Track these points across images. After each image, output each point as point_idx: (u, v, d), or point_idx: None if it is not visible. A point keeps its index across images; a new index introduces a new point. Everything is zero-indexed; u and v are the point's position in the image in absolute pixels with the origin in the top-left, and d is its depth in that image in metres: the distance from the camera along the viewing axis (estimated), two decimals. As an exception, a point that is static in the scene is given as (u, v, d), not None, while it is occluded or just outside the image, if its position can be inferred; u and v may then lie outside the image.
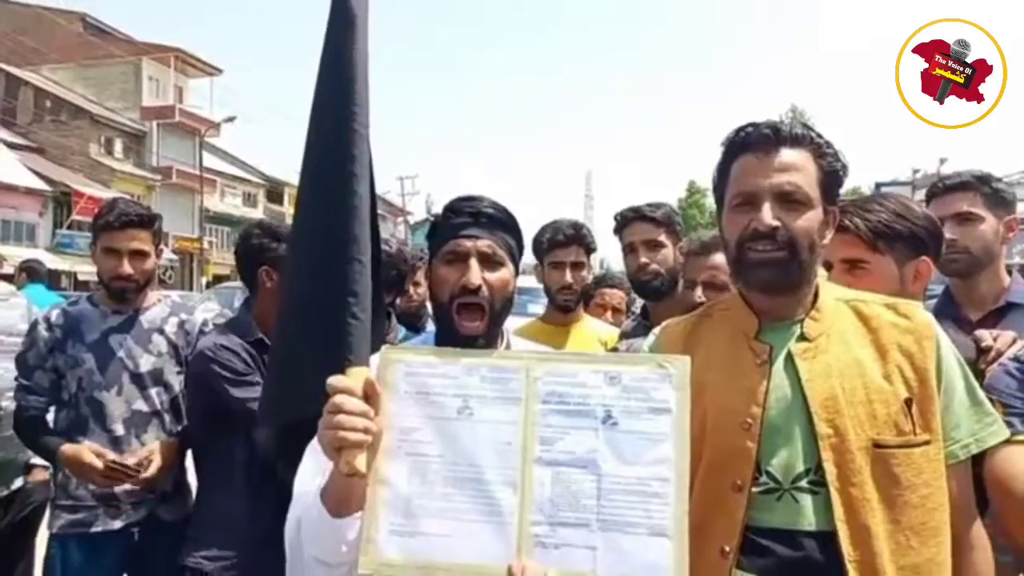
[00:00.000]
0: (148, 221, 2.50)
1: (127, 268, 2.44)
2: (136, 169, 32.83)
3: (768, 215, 1.29)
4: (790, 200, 1.30)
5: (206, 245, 32.84)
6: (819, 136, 1.34)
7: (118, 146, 32.70)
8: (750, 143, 1.34)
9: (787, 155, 1.32)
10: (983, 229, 2.05)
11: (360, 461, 1.11)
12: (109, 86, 34.14)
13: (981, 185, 2.06)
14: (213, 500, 2.30)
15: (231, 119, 32.60)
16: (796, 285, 1.33)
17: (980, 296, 2.03)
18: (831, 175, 1.34)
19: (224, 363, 2.21)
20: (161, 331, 2.51)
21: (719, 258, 2.10)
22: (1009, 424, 1.39)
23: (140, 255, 2.47)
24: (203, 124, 33.98)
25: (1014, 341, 1.68)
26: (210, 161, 35.06)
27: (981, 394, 1.35)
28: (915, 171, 26.87)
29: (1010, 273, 2.17)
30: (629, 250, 2.55)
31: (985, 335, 1.71)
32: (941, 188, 2.09)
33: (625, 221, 2.57)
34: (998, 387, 1.53)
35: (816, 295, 1.37)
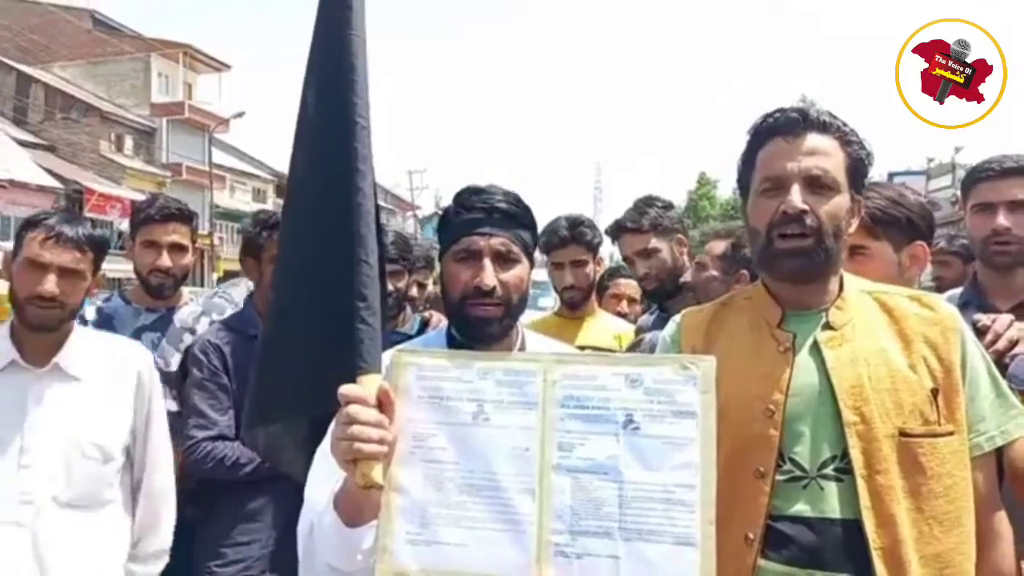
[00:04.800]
0: (188, 216, 2.52)
1: (166, 261, 2.44)
2: (146, 166, 32.95)
3: (797, 197, 1.28)
4: (818, 184, 1.29)
5: (216, 241, 32.95)
6: (845, 124, 1.33)
7: (128, 143, 32.83)
8: (778, 127, 1.33)
9: (815, 140, 1.31)
10: None
11: (376, 473, 1.08)
12: (119, 83, 34.27)
13: None
14: (215, 504, 2.27)
15: (240, 115, 32.67)
16: (822, 274, 1.32)
17: (1013, 287, 1.95)
18: (857, 163, 1.33)
19: (197, 361, 2.22)
20: (192, 331, 2.49)
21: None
22: None
23: (179, 249, 2.48)
24: (212, 120, 34.06)
25: (1011, 324, 1.64)
26: (219, 157, 35.15)
27: (1005, 386, 1.35)
28: (929, 160, 26.57)
29: None
30: (628, 262, 2.59)
31: (983, 317, 1.68)
32: (996, 172, 1.97)
33: (614, 236, 2.59)
34: (1020, 376, 1.52)
35: (841, 285, 1.36)
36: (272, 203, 39.12)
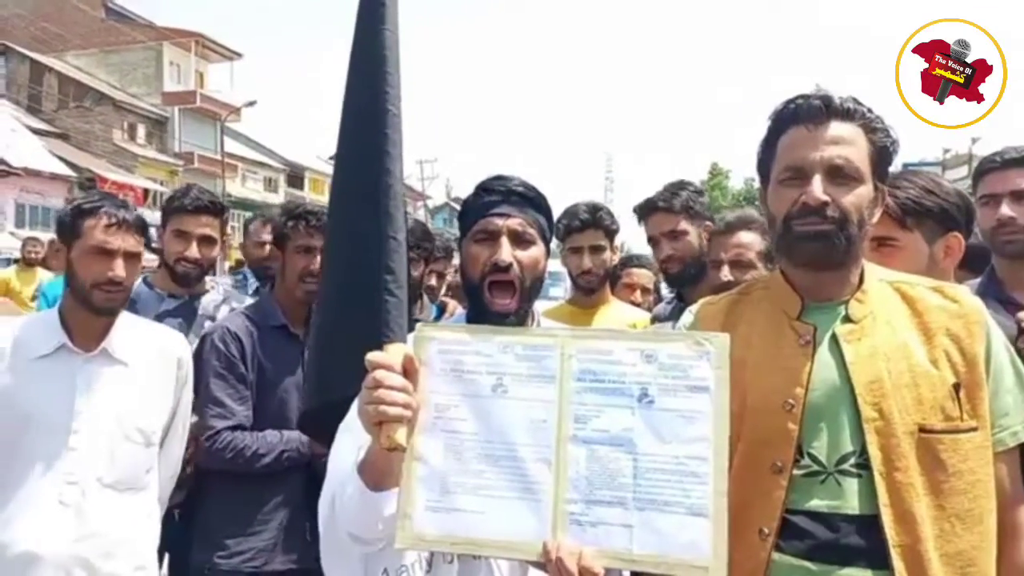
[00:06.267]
0: (220, 209, 2.59)
1: (195, 252, 2.51)
2: (159, 155, 33.14)
3: (819, 189, 1.25)
4: (841, 175, 1.26)
5: (228, 230, 33.02)
6: (870, 111, 1.30)
7: (141, 132, 33.01)
8: (800, 115, 1.30)
9: (838, 128, 1.28)
10: None
11: (400, 435, 1.11)
12: (131, 72, 34.41)
13: None
14: (216, 494, 2.25)
15: (252, 103, 32.75)
16: (842, 262, 1.30)
17: None
18: (882, 151, 1.31)
19: (215, 350, 2.20)
20: (213, 318, 2.54)
21: (744, 236, 2.11)
22: None
23: (208, 241, 2.54)
24: (224, 109, 34.16)
25: None
26: (231, 146, 35.26)
27: None
28: (945, 151, 26.30)
29: None
30: (653, 242, 2.53)
31: None
32: (999, 163, 1.99)
33: (643, 214, 2.54)
34: None
35: (862, 276, 1.34)
36: (283, 192, 39.30)
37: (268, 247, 3.41)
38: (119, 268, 1.86)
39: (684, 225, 2.42)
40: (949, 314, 1.29)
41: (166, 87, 34.51)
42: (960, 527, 1.21)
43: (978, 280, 2.04)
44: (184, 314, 2.52)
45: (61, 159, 27.34)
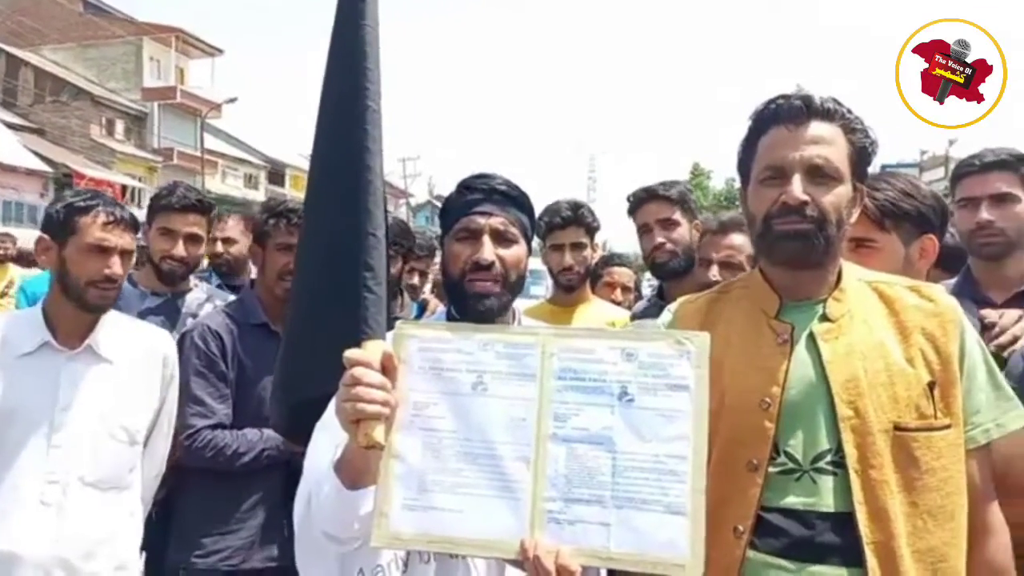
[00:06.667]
0: (206, 207, 2.56)
1: (181, 250, 2.49)
2: (137, 151, 32.70)
3: (798, 188, 1.26)
4: (820, 174, 1.28)
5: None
6: (849, 111, 1.31)
7: (119, 127, 32.54)
8: (780, 115, 1.31)
9: (818, 128, 1.29)
10: (1019, 210, 1.96)
11: (378, 433, 1.10)
12: (110, 67, 33.93)
13: (1020, 164, 1.98)
14: (193, 492, 2.24)
15: (232, 100, 32.43)
16: (821, 261, 1.31)
17: (1005, 278, 1.98)
18: (861, 151, 1.32)
19: (195, 348, 2.19)
20: (195, 316, 2.52)
21: (736, 238, 2.13)
22: None
23: (194, 240, 2.52)
24: (204, 105, 33.76)
25: (1020, 319, 1.66)
26: (211, 142, 34.87)
27: (1002, 379, 1.34)
28: (922, 152, 26.70)
29: None
30: (644, 231, 2.52)
31: (991, 313, 1.70)
32: (977, 166, 2.01)
33: (638, 202, 2.54)
34: (1015, 373, 1.51)
35: (840, 276, 1.35)
36: (264, 189, 38.95)
37: (220, 243, 3.38)
38: (116, 265, 1.85)
39: (678, 216, 2.45)
40: (925, 313, 1.30)
41: (146, 82, 34.07)
42: (932, 524, 1.22)
43: (953, 280, 2.07)
44: (167, 312, 2.50)
45: (36, 154, 26.89)
